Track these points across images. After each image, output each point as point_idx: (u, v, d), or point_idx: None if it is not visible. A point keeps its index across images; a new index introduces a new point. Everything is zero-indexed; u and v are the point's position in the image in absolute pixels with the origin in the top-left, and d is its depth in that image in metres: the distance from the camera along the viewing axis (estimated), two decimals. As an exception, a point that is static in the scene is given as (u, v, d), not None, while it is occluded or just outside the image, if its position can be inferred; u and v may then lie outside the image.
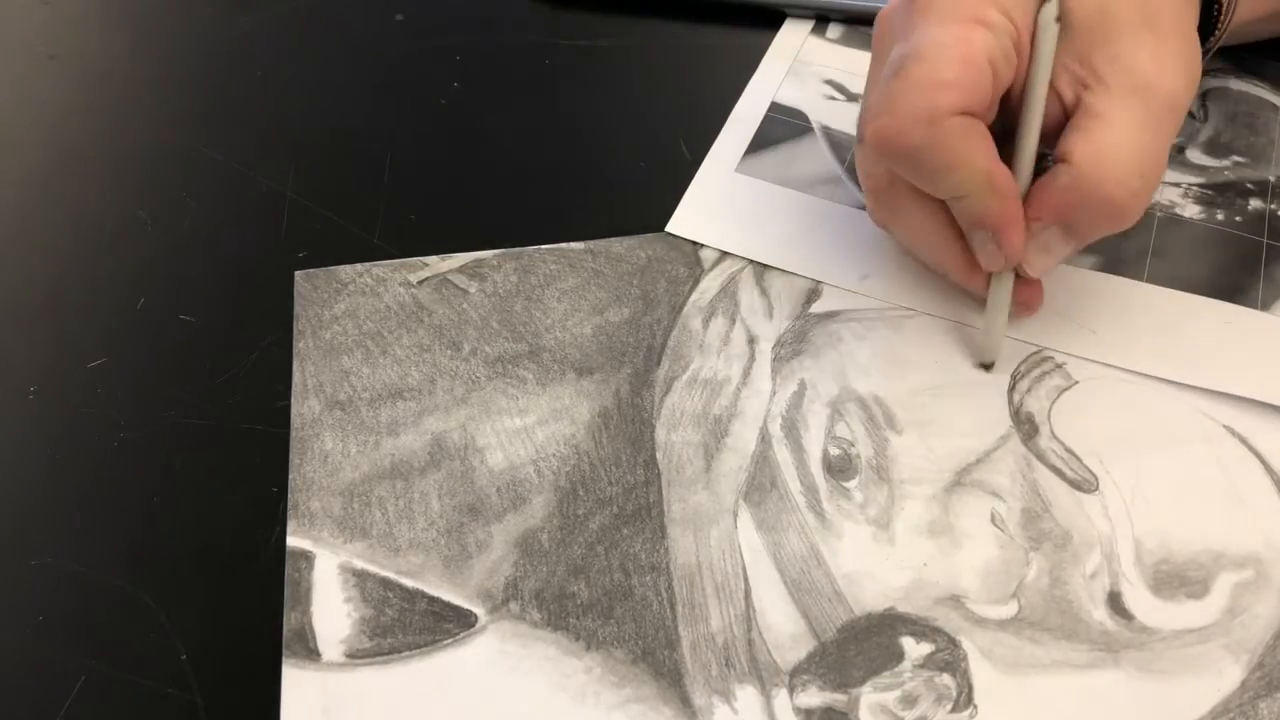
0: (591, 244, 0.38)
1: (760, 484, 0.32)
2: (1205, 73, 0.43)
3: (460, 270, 0.37)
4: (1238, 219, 0.38)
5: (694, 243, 0.38)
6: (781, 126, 0.42)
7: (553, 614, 0.30)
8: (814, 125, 0.42)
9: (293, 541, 0.31)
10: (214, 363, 0.35)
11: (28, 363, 0.35)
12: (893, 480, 0.32)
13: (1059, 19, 0.31)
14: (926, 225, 0.34)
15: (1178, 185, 0.39)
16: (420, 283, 0.37)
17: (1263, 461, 0.32)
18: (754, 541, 0.31)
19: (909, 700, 0.28)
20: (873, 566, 0.30)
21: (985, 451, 0.33)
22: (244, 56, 0.46)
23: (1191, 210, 0.39)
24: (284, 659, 0.29)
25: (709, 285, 0.37)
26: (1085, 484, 0.32)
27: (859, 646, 0.29)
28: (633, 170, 0.41)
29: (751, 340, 0.35)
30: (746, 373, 0.35)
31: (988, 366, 0.34)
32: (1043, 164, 0.32)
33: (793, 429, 0.33)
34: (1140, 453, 0.33)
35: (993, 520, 0.31)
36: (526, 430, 0.33)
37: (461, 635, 0.29)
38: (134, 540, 0.31)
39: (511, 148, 0.42)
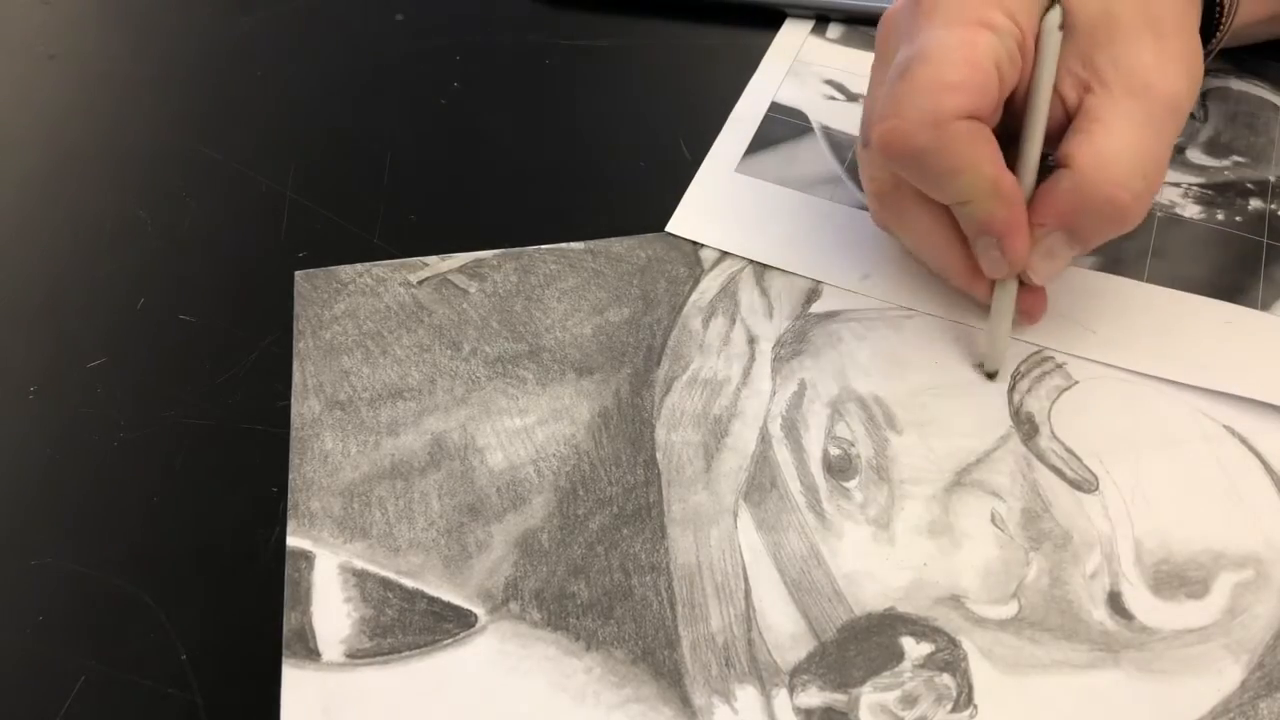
0: (591, 244, 0.38)
1: (760, 484, 0.32)
2: (1206, 73, 0.43)
3: (460, 270, 0.37)
4: (1238, 219, 0.38)
5: (694, 243, 0.38)
6: (781, 126, 0.42)
7: (553, 614, 0.30)
8: (814, 125, 0.42)
9: (293, 541, 0.31)
10: (214, 363, 0.35)
11: (28, 363, 0.35)
12: (893, 480, 0.32)
13: (1062, 26, 0.31)
14: (930, 230, 0.34)
15: (1178, 185, 0.39)
16: (420, 283, 0.37)
17: (1263, 461, 0.32)
18: (754, 541, 0.31)
19: (909, 700, 0.28)
20: (873, 566, 0.30)
21: (985, 451, 0.33)
22: (244, 56, 0.46)
23: (1192, 210, 0.39)
24: (284, 659, 0.29)
25: (709, 285, 0.37)
26: (1085, 484, 0.32)
27: (859, 646, 0.29)
28: (633, 170, 0.41)
29: (751, 340, 0.35)
30: (746, 373, 0.35)
31: (992, 375, 0.34)
32: (1044, 164, 0.32)
33: (793, 429, 0.33)
34: (1140, 453, 0.33)
35: (993, 520, 0.31)
36: (526, 430, 0.33)
37: (461, 635, 0.29)
38: (134, 540, 0.31)
39: (511, 148, 0.42)
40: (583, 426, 0.33)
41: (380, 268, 0.37)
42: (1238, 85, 0.43)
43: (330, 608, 0.30)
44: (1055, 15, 0.31)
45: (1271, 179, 0.40)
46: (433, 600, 0.30)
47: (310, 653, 0.29)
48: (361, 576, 0.31)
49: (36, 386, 0.35)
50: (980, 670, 0.29)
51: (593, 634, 0.29)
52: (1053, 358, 0.35)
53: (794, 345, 0.35)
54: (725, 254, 0.38)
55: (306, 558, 0.31)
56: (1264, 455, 0.32)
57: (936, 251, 0.34)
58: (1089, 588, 0.30)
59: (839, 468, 0.32)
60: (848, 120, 0.42)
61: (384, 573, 0.31)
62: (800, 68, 0.44)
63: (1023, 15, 0.31)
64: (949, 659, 0.29)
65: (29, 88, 0.45)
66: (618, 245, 0.38)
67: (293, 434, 0.33)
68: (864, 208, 0.36)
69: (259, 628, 0.30)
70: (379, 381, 0.35)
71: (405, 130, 0.42)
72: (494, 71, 0.45)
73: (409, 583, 0.30)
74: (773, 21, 0.46)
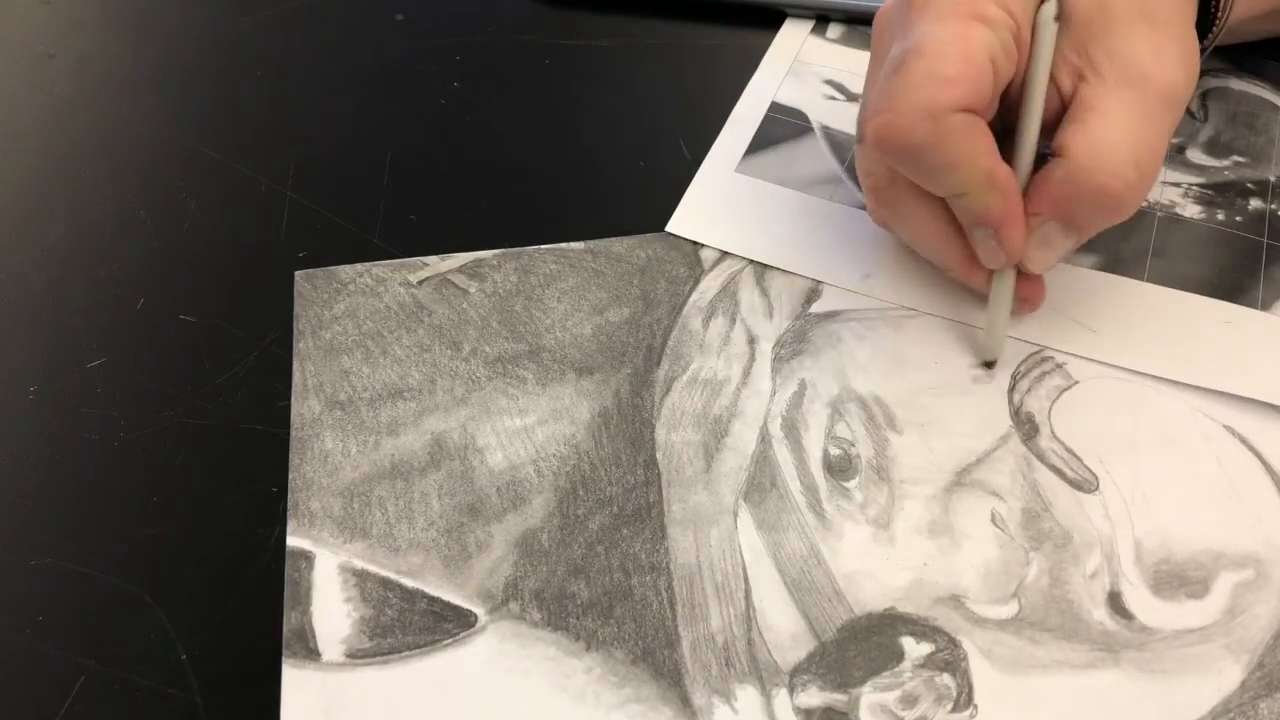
0: (591, 244, 0.38)
1: (760, 484, 0.32)
2: (1205, 73, 0.43)
3: (460, 270, 0.37)
4: (1238, 219, 0.38)
5: (694, 243, 0.38)
6: (781, 126, 0.42)
7: (553, 614, 0.30)
8: (814, 125, 0.42)
9: (293, 541, 0.31)
10: (214, 363, 0.35)
11: (28, 363, 0.35)
12: (893, 480, 0.32)
13: (1058, 18, 0.31)
14: (927, 223, 0.34)
15: (1178, 185, 0.39)
16: (420, 283, 0.37)
17: (1263, 461, 0.32)
18: (754, 541, 0.31)
19: (909, 700, 0.28)
20: (873, 566, 0.30)
21: (985, 451, 0.33)
22: (244, 56, 0.46)
23: (1192, 210, 0.39)
24: (284, 659, 0.29)
25: (709, 285, 0.37)
26: (1085, 484, 0.32)
27: (859, 646, 0.29)
28: (633, 170, 0.41)
29: (751, 340, 0.35)
30: (746, 373, 0.35)
31: (990, 364, 0.34)
32: (1041, 154, 0.32)
33: (793, 429, 0.33)
34: (1140, 453, 0.33)
35: (993, 520, 0.31)
36: (526, 430, 0.33)
37: (461, 635, 0.29)
38: (134, 540, 0.31)
39: (511, 148, 0.42)
40: (583, 426, 0.33)
41: (380, 268, 0.37)
42: (1238, 85, 0.43)
43: (330, 608, 0.30)
44: (1050, 7, 0.31)
45: (1271, 179, 0.40)
46: (433, 600, 0.30)
47: (310, 653, 0.29)
48: (361, 576, 0.31)
49: (36, 386, 0.35)
50: (980, 670, 0.29)
51: (593, 634, 0.29)
52: (1053, 358, 0.35)
53: (794, 345, 0.35)
54: (725, 254, 0.38)
55: (306, 558, 0.31)
56: (1264, 455, 0.32)
57: (934, 244, 0.34)
58: (1089, 588, 0.30)
59: (839, 468, 0.32)
60: (848, 120, 0.42)
61: (384, 573, 0.31)
62: (800, 68, 0.44)
63: (1017, 7, 0.31)
64: (949, 659, 0.29)
65: (29, 88, 0.45)
66: (618, 245, 0.38)
67: (293, 434, 0.33)
68: (864, 207, 0.36)
69: (259, 628, 0.30)
70: (379, 381, 0.35)
71: (405, 130, 0.42)
72: (494, 71, 0.45)
73: (409, 583, 0.30)
74: (773, 21, 0.46)
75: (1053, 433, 0.33)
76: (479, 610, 0.30)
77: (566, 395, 0.34)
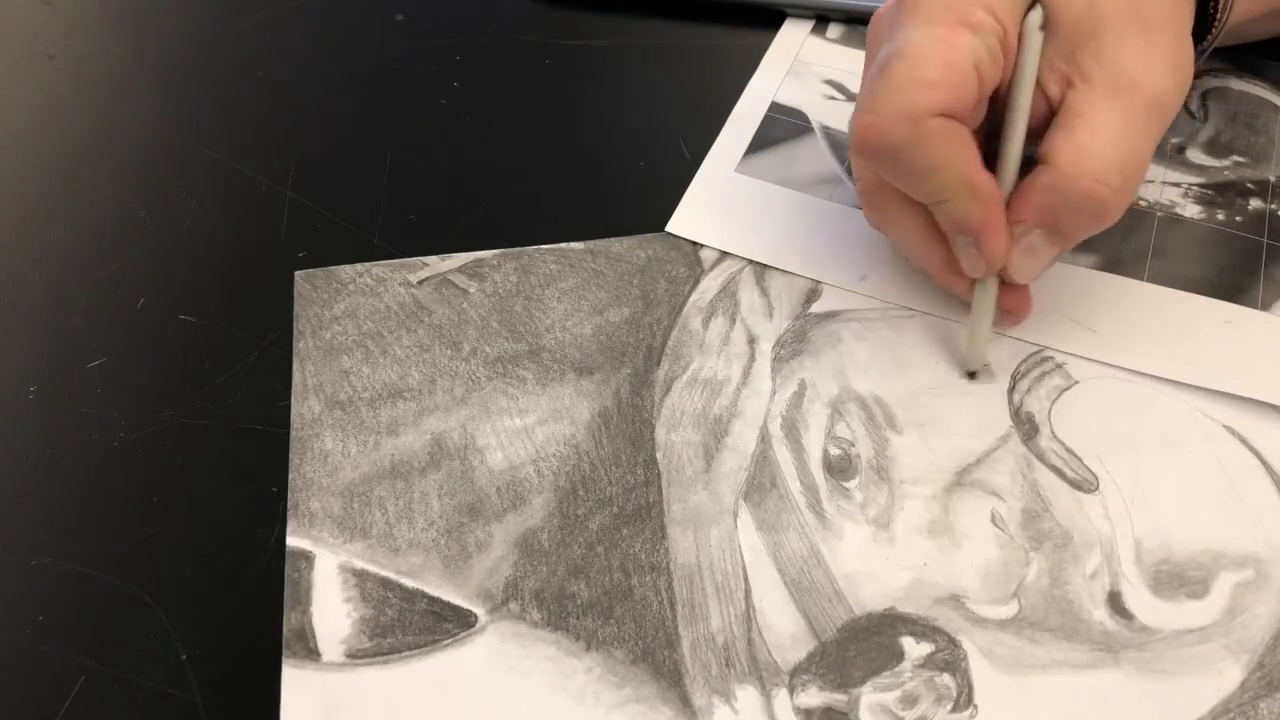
0: (591, 244, 0.38)
1: (760, 484, 0.32)
2: (1205, 73, 0.43)
3: (460, 270, 0.37)
4: (1238, 219, 0.38)
5: (694, 243, 0.38)
6: (781, 126, 0.42)
7: (553, 614, 0.30)
8: (814, 125, 0.42)
9: (293, 541, 0.31)
10: (214, 363, 0.35)
11: (28, 363, 0.35)
12: (893, 480, 0.32)
13: (1043, 27, 0.31)
14: (911, 228, 0.34)
15: (1178, 185, 0.39)
16: (420, 283, 0.37)
17: (1263, 461, 0.32)
18: (754, 541, 0.31)
19: (909, 700, 0.28)
20: (873, 566, 0.30)
21: (985, 451, 0.33)
22: (244, 56, 0.46)
23: (1192, 210, 0.39)
24: (284, 659, 0.29)
25: (709, 285, 0.37)
26: (1085, 484, 0.32)
27: (859, 646, 0.29)
28: (633, 170, 0.41)
29: (751, 340, 0.35)
30: (746, 373, 0.35)
31: (972, 375, 0.34)
32: (1027, 161, 0.32)
33: (793, 429, 0.33)
34: (1140, 453, 0.33)
35: (993, 520, 0.31)
36: (526, 430, 0.33)
37: (461, 635, 0.29)
38: (134, 540, 0.31)
39: (511, 148, 0.42)
40: (583, 426, 0.33)
41: (380, 268, 0.37)
42: (1238, 85, 0.43)
43: (330, 608, 0.30)
44: (1036, 16, 0.31)
45: (1271, 179, 0.40)
46: (433, 600, 0.30)
47: (310, 653, 0.29)
48: (361, 576, 0.31)
49: (36, 386, 0.35)
50: (980, 670, 0.29)
51: (593, 634, 0.29)
52: (1053, 358, 0.35)
53: (794, 345, 0.35)
54: (725, 254, 0.38)
55: (306, 558, 0.31)
56: (1264, 455, 0.32)
57: (918, 249, 0.34)
58: (1089, 588, 0.30)
59: (839, 468, 0.32)
60: (847, 120, 0.42)
61: (384, 573, 0.31)
62: (800, 68, 0.44)
63: (1005, 12, 0.30)
64: (949, 659, 0.29)
65: (29, 87, 0.45)
66: (618, 245, 0.38)
67: (293, 434, 0.33)
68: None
69: (259, 628, 0.30)
70: (379, 381, 0.35)
71: (405, 130, 0.42)
72: (494, 71, 0.45)
73: (409, 583, 0.30)
74: (773, 21, 0.46)
75: (1053, 433, 0.33)
76: (479, 610, 0.30)
77: (566, 395, 0.34)
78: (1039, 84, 0.31)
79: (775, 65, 0.44)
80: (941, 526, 0.31)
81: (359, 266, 0.38)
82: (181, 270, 0.38)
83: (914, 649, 0.29)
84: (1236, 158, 0.40)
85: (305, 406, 0.34)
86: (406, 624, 0.30)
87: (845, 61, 0.44)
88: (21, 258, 0.38)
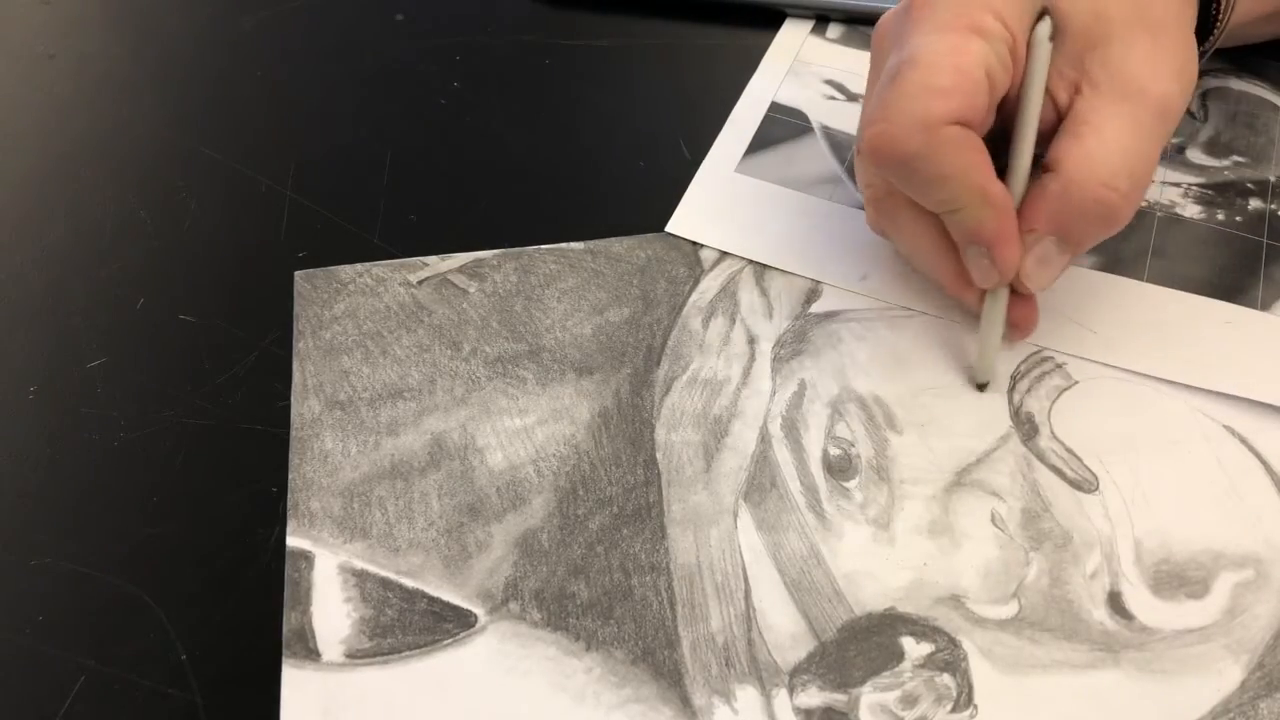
0: (591, 244, 0.38)
1: (760, 484, 0.32)
2: (1205, 73, 0.43)
3: (460, 270, 0.37)
4: (1238, 219, 0.38)
5: (694, 243, 0.38)
6: (781, 126, 0.42)
7: (553, 614, 0.30)
8: (814, 125, 0.42)
9: (293, 541, 0.31)
10: (214, 363, 0.35)
11: (28, 363, 0.35)
12: (893, 480, 0.32)
13: (1053, 36, 0.31)
14: (922, 238, 0.34)
15: (1178, 185, 0.39)
16: (420, 283, 0.37)
17: (1263, 461, 0.32)
18: (754, 541, 0.31)
19: (909, 700, 0.28)
20: (873, 566, 0.30)
21: (985, 451, 0.33)
22: (244, 56, 0.46)
23: (1191, 210, 0.39)
24: (284, 659, 0.29)
25: (709, 285, 0.37)
26: (1085, 484, 0.32)
27: (859, 646, 0.29)
28: (633, 170, 0.41)
29: (751, 340, 0.35)
30: (746, 373, 0.35)
31: (982, 387, 0.34)
32: (1035, 167, 0.32)
33: (793, 429, 0.33)
34: (1140, 453, 0.33)
35: (993, 520, 0.31)
36: (526, 430, 0.33)
37: (461, 635, 0.29)
38: (134, 540, 0.31)
39: (511, 148, 0.42)
40: (583, 426, 0.33)
41: (380, 268, 0.37)
42: (1238, 85, 0.43)
43: (330, 608, 0.30)
44: (1045, 26, 0.31)
45: (1271, 179, 0.40)
46: (433, 600, 0.30)
47: (310, 653, 0.29)
48: (361, 576, 0.31)
49: (36, 386, 0.35)
50: (980, 670, 0.29)
51: (593, 634, 0.29)
52: (1053, 358, 0.35)
53: (794, 345, 0.35)
54: (725, 254, 0.38)
55: (306, 558, 0.31)
56: (1264, 455, 0.32)
57: (928, 258, 0.34)
58: (1089, 588, 0.30)
59: (839, 468, 0.32)
60: (848, 120, 0.42)
61: (384, 573, 0.31)
62: (800, 68, 0.44)
63: (1014, 19, 0.30)
64: (949, 659, 0.29)
65: (29, 88, 0.45)
66: (618, 245, 0.38)
67: (293, 434, 0.33)
68: (864, 208, 0.36)
69: (259, 628, 0.30)
70: (379, 381, 0.35)
71: (405, 130, 0.42)
72: (494, 71, 0.45)
73: (409, 583, 0.30)
74: (773, 21, 0.46)
75: (1052, 433, 0.33)
76: (479, 610, 0.30)
77: (566, 395, 0.34)
78: (1046, 90, 0.31)
79: (775, 65, 0.44)
80: (941, 526, 0.31)
81: (359, 266, 0.38)
82: (181, 270, 0.38)
83: (914, 649, 0.29)
84: (1236, 158, 0.40)
85: (305, 406, 0.34)
86: (406, 624, 0.30)
87: (845, 61, 0.44)
88: (21, 258, 0.38)
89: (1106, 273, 0.37)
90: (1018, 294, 0.33)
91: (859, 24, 0.46)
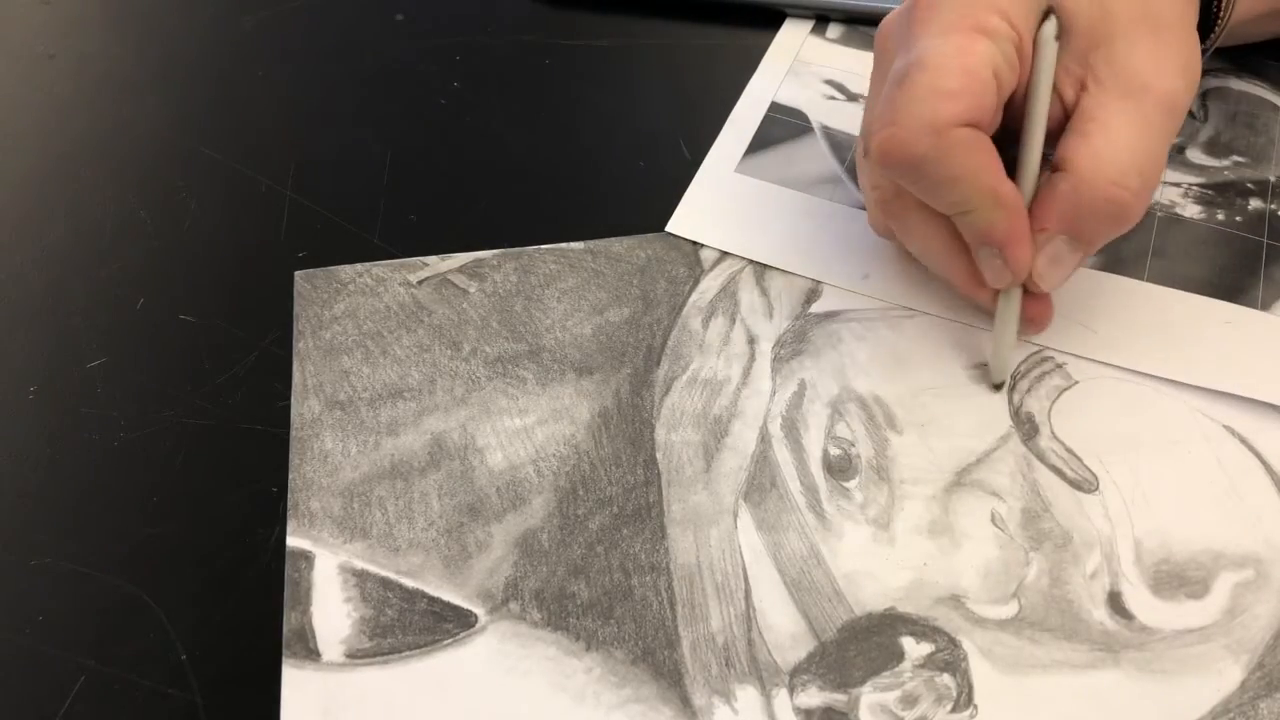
0: (591, 244, 0.38)
1: (760, 484, 0.32)
2: (1205, 73, 0.43)
3: (460, 270, 0.37)
4: (1238, 219, 0.38)
5: (694, 243, 0.38)
6: (781, 126, 0.42)
7: (553, 614, 0.30)
8: (814, 125, 0.42)
9: (293, 541, 0.31)
10: (214, 363, 0.35)
11: (28, 363, 0.35)
12: (893, 480, 0.32)
13: (1058, 36, 0.31)
14: (933, 238, 0.33)
15: (1178, 185, 0.39)
16: (420, 283, 0.37)
17: (1263, 461, 0.32)
18: (754, 541, 0.31)
19: (909, 700, 0.28)
20: (873, 566, 0.30)
21: (985, 451, 0.33)
22: (244, 56, 0.46)
23: (1192, 210, 0.39)
24: (284, 659, 0.29)
25: (709, 285, 0.37)
26: (1085, 484, 0.32)
27: (859, 646, 0.29)
28: (633, 170, 0.41)
29: (751, 340, 0.35)
30: (746, 373, 0.35)
31: (998, 387, 0.34)
32: (1043, 165, 0.32)
33: (793, 429, 0.33)
34: (1140, 453, 0.33)
35: (993, 520, 0.31)
36: (526, 430, 0.33)
37: (461, 635, 0.29)
38: (134, 540, 0.31)
39: (511, 148, 0.42)
40: (583, 426, 0.33)
41: (380, 268, 0.37)
42: (1238, 85, 0.43)
43: (330, 608, 0.30)
44: (1051, 26, 0.31)
45: (1271, 179, 0.40)
46: (433, 600, 0.30)
47: (310, 653, 0.29)
48: (361, 576, 0.31)
49: (36, 386, 0.35)
50: (980, 670, 0.29)
51: (593, 634, 0.29)
52: (1053, 358, 0.35)
53: (794, 345, 0.35)
54: (725, 254, 0.38)
55: (306, 558, 0.31)
56: (1264, 455, 0.32)
57: (940, 260, 0.34)
58: (1089, 588, 0.30)
59: (839, 468, 0.32)
60: (848, 120, 0.42)
61: (384, 573, 0.31)
62: (800, 68, 0.44)
63: (1019, 18, 0.30)
64: (949, 659, 0.29)
65: (29, 88, 0.45)
66: (618, 245, 0.38)
67: (293, 434, 0.33)
68: (864, 208, 0.36)
69: (259, 628, 0.30)
70: (379, 381, 0.35)
71: (405, 130, 0.42)
72: (494, 71, 0.45)
73: (409, 583, 0.30)
74: (773, 21, 0.46)
75: (1053, 433, 0.33)
76: (479, 610, 0.30)
77: (566, 395, 0.34)
78: (1053, 88, 0.31)
79: (775, 65, 0.44)
80: (941, 526, 0.31)
81: (359, 266, 0.38)
82: (181, 270, 0.38)
83: (914, 649, 0.29)
84: (1236, 158, 0.40)
85: (305, 406, 0.34)
86: (406, 624, 0.30)
87: (845, 61, 0.44)
88: (21, 258, 0.38)
89: (1106, 273, 0.37)
90: (1031, 291, 0.33)
91: (859, 24, 0.46)
